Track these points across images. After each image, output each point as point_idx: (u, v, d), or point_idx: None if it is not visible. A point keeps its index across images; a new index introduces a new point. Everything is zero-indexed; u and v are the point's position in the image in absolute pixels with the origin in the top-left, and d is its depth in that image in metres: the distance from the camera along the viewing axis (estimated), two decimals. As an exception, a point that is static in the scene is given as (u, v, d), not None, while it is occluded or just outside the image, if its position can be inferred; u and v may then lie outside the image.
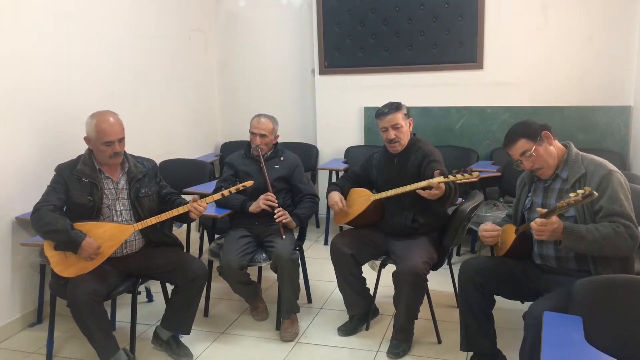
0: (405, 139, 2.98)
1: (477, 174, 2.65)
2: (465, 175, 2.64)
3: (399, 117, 2.93)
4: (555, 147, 2.37)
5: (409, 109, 3.01)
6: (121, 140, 2.73)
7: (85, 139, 2.75)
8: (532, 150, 2.32)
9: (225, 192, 2.87)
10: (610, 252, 2.18)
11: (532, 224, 2.18)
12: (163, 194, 2.95)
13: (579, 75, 4.39)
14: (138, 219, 2.79)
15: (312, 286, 3.59)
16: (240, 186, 2.91)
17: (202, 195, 2.88)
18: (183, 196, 3.08)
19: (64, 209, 2.70)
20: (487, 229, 2.52)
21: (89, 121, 2.73)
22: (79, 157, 2.79)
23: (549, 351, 1.63)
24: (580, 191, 2.03)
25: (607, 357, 1.62)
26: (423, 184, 2.68)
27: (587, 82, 4.38)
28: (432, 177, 2.75)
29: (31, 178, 3.20)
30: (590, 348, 1.66)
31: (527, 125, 2.38)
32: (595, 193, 2.03)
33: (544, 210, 2.16)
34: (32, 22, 3.25)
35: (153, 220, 2.73)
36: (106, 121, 2.69)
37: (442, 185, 2.65)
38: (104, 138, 2.67)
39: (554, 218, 2.14)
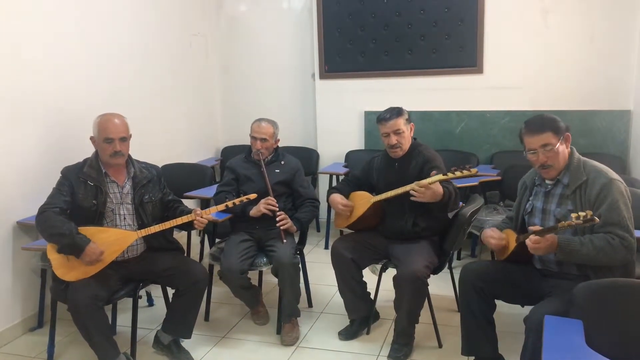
0: (406, 144, 2.99)
1: (475, 170, 2.65)
2: (464, 172, 2.64)
3: (401, 123, 2.93)
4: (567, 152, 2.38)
5: (409, 113, 3.02)
6: (123, 139, 2.74)
7: (91, 138, 2.77)
8: (555, 147, 2.32)
9: (229, 204, 2.89)
10: (604, 263, 2.20)
11: (527, 241, 2.20)
12: (166, 201, 2.96)
13: (579, 79, 4.40)
14: (141, 224, 2.79)
15: (313, 290, 3.59)
16: (244, 198, 2.93)
17: (203, 200, 2.89)
18: (184, 201, 3.09)
19: (68, 211, 2.70)
20: (494, 236, 2.51)
21: (95, 120, 2.76)
22: (86, 160, 2.80)
23: (550, 355, 1.63)
24: (582, 214, 2.04)
25: (608, 360, 1.62)
26: (424, 182, 2.67)
27: (587, 87, 4.39)
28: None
29: (33, 182, 3.21)
30: (591, 352, 1.67)
31: (556, 121, 2.38)
32: (597, 219, 2.04)
33: (538, 228, 2.20)
34: (34, 27, 3.26)
35: (157, 228, 2.74)
36: (110, 120, 2.73)
37: (438, 187, 2.66)
38: (105, 134, 2.69)
39: (548, 235, 2.17)
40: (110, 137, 2.69)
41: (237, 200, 2.91)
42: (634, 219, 2.26)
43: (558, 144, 2.32)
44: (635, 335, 1.79)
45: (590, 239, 2.18)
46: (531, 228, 2.23)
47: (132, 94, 4.17)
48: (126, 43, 4.11)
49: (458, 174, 2.64)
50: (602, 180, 2.25)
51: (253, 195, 2.97)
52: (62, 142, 3.41)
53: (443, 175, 2.67)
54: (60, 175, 2.76)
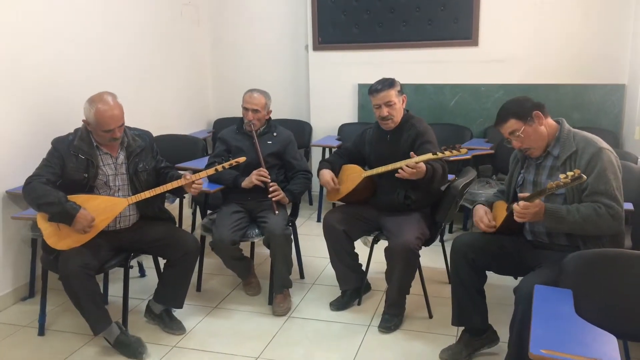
0: (398, 116, 2.96)
1: (465, 150, 2.65)
2: (454, 152, 2.64)
3: (392, 94, 2.91)
4: (547, 126, 2.36)
5: (402, 85, 2.99)
6: (121, 126, 2.68)
7: (84, 121, 2.69)
8: (521, 131, 2.33)
9: (219, 168, 2.85)
10: (592, 232, 2.21)
11: (515, 206, 2.19)
12: (159, 168, 2.93)
13: (574, 53, 4.37)
14: (135, 193, 2.75)
15: (305, 262, 3.60)
16: (233, 162, 2.89)
17: (195, 171, 2.86)
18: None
19: (57, 183, 2.67)
20: (485, 223, 2.51)
21: (87, 107, 2.63)
22: (76, 130, 2.74)
23: (539, 323, 1.64)
24: (569, 173, 2.03)
25: (596, 328, 1.64)
26: (412, 161, 2.67)
27: (582, 60, 4.36)
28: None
29: (22, 152, 3.17)
30: (579, 320, 1.69)
31: (519, 104, 2.38)
32: (584, 176, 2.03)
33: (526, 195, 2.19)
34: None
35: (147, 194, 2.71)
36: (106, 108, 2.59)
37: (422, 165, 2.66)
38: (104, 127, 2.61)
39: (537, 201, 2.16)
40: (110, 128, 2.63)
41: (226, 164, 2.86)
42: (627, 192, 2.26)
43: (524, 127, 2.33)
44: (624, 304, 1.81)
45: (577, 208, 2.18)
46: (520, 195, 2.21)
47: (123, 65, 4.10)
48: (116, 12, 4.02)
49: (447, 153, 2.64)
50: (591, 149, 2.24)
51: (242, 159, 2.93)
52: (53, 112, 3.37)
53: (433, 154, 2.67)
54: (51, 146, 2.72)
